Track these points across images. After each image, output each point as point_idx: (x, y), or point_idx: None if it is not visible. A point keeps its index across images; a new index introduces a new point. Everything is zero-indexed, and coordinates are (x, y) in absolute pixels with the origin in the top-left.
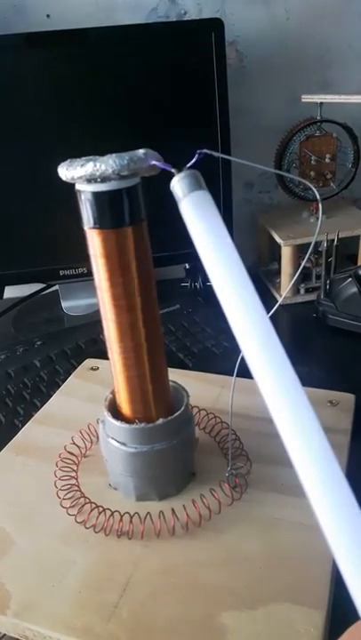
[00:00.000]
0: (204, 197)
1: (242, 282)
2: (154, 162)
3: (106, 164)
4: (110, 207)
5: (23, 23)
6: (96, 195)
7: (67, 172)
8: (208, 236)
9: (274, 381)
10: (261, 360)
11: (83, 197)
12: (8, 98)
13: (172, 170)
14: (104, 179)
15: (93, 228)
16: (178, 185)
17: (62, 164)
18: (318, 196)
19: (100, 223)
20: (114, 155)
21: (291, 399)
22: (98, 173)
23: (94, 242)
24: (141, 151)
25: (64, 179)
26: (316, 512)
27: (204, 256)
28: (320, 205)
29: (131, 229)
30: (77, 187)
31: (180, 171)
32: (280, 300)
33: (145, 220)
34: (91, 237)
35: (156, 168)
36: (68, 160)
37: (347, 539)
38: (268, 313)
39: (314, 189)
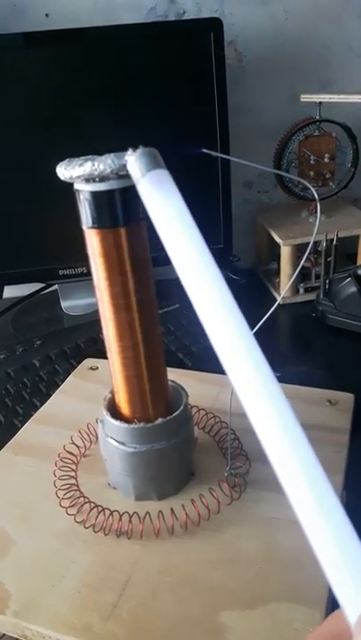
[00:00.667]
0: (164, 176)
1: (205, 263)
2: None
3: (104, 163)
4: (108, 207)
5: (22, 22)
6: (94, 194)
7: (65, 171)
8: (169, 217)
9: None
10: (230, 341)
11: (81, 197)
12: (7, 97)
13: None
14: (102, 178)
15: (92, 227)
16: (135, 164)
17: (61, 163)
18: (316, 196)
19: (98, 223)
20: (112, 154)
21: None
22: (96, 173)
23: (93, 241)
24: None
25: (62, 178)
26: (299, 514)
27: (166, 238)
28: (318, 205)
29: (129, 229)
30: (76, 186)
31: (136, 149)
32: (279, 300)
33: (143, 219)
34: (89, 237)
35: None
36: (67, 159)
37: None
38: (267, 312)
39: (312, 189)
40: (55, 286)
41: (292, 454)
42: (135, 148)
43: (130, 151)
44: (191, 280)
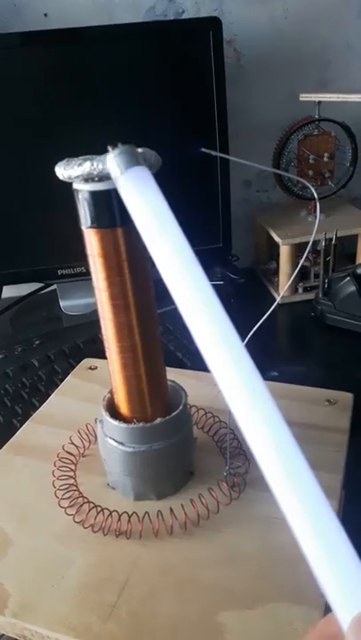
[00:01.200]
0: (143, 174)
1: (187, 258)
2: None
3: (103, 163)
4: (108, 206)
5: (21, 22)
6: (93, 194)
7: (64, 171)
8: (148, 215)
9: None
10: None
11: (80, 197)
12: (5, 96)
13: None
14: (101, 178)
15: (91, 227)
16: (113, 162)
17: (60, 163)
18: (316, 195)
19: (97, 222)
20: None
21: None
22: (95, 172)
23: (92, 241)
24: (139, 150)
25: (61, 178)
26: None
27: (145, 236)
28: (318, 204)
29: (128, 228)
30: (75, 186)
31: (115, 147)
32: (278, 300)
33: None
34: (88, 237)
35: (153, 167)
36: (66, 159)
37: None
38: (266, 312)
39: (311, 188)
40: (54, 286)
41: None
42: (114, 145)
43: (109, 149)
44: (170, 277)
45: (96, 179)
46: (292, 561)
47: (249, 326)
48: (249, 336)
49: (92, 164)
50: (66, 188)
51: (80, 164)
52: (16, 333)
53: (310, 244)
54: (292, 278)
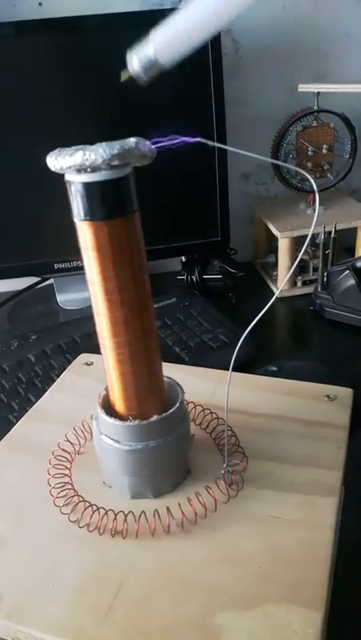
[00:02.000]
0: None
1: None
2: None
3: (96, 153)
4: (102, 198)
5: (14, 11)
6: (86, 185)
7: (55, 161)
8: None
9: None
10: None
11: (72, 188)
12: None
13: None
14: (94, 168)
15: (84, 219)
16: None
17: (51, 153)
18: (315, 187)
19: (90, 215)
20: (104, 143)
21: None
22: (87, 163)
23: (85, 234)
24: (133, 140)
25: (53, 169)
26: None
27: None
28: (317, 196)
29: (123, 220)
30: (67, 177)
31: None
32: (277, 294)
33: (137, 211)
34: (81, 230)
35: (147, 158)
36: (57, 149)
37: None
38: (264, 305)
39: (311, 179)
40: (51, 280)
41: None
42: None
43: None
44: None
45: (88, 169)
46: (291, 560)
47: (247, 320)
48: (247, 331)
49: (84, 154)
50: (62, 180)
51: (72, 154)
52: (12, 328)
53: (309, 237)
54: (291, 272)
